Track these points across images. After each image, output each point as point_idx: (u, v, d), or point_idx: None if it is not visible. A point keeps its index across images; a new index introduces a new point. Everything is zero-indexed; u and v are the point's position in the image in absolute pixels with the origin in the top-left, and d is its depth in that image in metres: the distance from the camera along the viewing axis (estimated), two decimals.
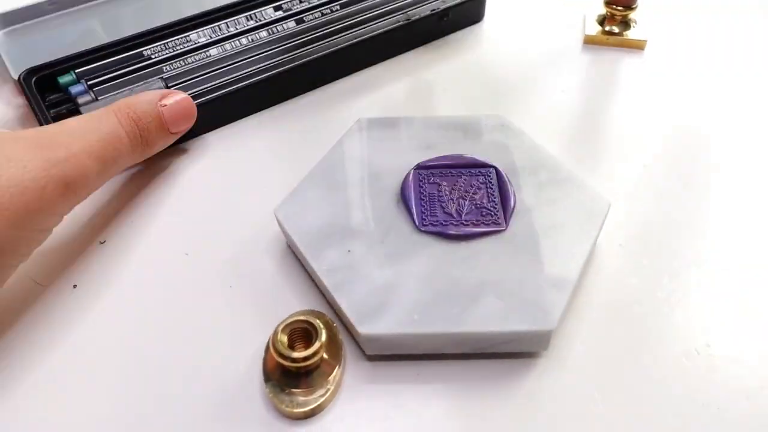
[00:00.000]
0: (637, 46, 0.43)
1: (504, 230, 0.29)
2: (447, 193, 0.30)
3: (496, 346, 0.26)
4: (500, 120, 0.34)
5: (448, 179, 0.31)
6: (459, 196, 0.30)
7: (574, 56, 0.43)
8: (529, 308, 0.26)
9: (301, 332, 0.26)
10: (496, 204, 0.30)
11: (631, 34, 0.43)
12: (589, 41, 0.44)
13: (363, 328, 0.26)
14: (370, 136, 0.34)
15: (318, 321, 0.26)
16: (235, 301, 0.29)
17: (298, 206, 0.30)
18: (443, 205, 0.30)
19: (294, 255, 0.31)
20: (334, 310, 0.28)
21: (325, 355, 0.26)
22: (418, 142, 0.33)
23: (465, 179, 0.31)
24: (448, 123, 0.34)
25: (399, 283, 0.27)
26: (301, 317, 0.26)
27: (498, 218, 0.29)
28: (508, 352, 0.27)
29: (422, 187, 0.31)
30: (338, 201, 0.30)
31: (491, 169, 0.31)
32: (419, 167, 0.32)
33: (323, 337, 0.25)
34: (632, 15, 0.43)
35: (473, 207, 0.30)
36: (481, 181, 0.31)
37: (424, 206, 0.30)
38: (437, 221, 0.29)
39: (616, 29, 0.43)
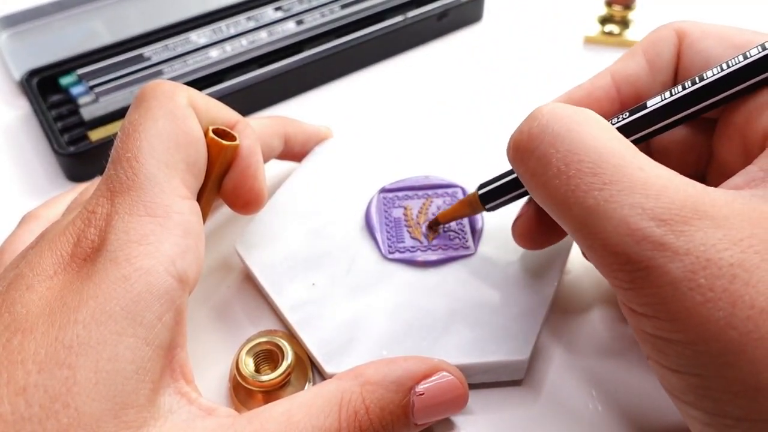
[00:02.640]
0: None
1: (473, 254, 0.28)
2: (413, 216, 0.29)
3: (470, 377, 0.24)
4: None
5: (414, 202, 0.30)
6: (426, 220, 0.29)
7: (574, 56, 0.43)
8: (501, 338, 0.25)
9: (266, 354, 0.25)
10: (464, 226, 0.29)
11: (629, 34, 0.43)
12: (589, 41, 0.44)
13: (330, 367, 0.25)
14: (333, 159, 0.32)
15: (284, 342, 0.25)
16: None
17: (260, 237, 0.29)
18: (410, 230, 0.29)
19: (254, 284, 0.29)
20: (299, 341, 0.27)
21: (291, 378, 0.25)
22: (382, 162, 0.32)
23: (431, 201, 0.30)
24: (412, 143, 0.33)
25: (366, 316, 0.26)
26: (265, 339, 0.26)
27: (466, 242, 0.28)
28: (483, 383, 0.25)
29: (387, 212, 0.29)
30: (301, 230, 0.29)
31: (457, 189, 0.30)
32: (384, 191, 0.30)
33: (290, 358, 0.25)
34: (631, 15, 0.43)
35: (441, 230, 0.29)
36: (447, 202, 0.30)
37: (390, 232, 0.29)
38: (404, 248, 0.28)
39: (615, 29, 0.43)
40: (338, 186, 0.31)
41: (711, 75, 0.21)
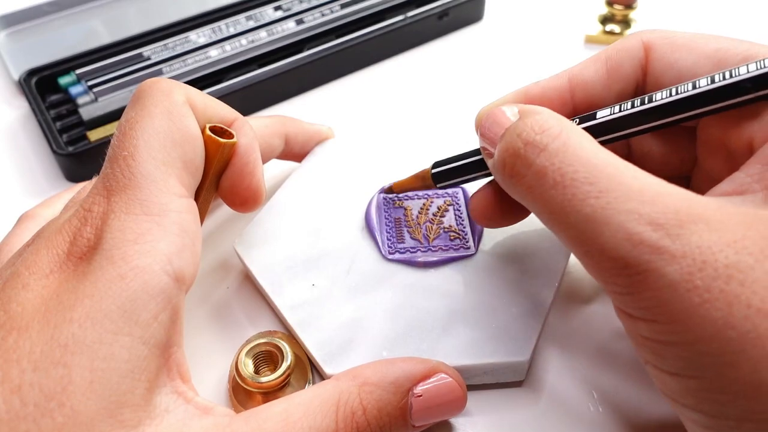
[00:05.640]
0: None
1: (474, 254, 0.28)
2: (414, 217, 0.29)
3: (470, 378, 0.25)
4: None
5: (414, 202, 0.30)
6: (426, 220, 0.29)
7: (575, 56, 0.43)
8: (502, 338, 0.25)
9: (266, 355, 0.25)
10: (464, 227, 0.29)
11: (631, 33, 0.43)
12: (590, 41, 0.43)
13: (330, 368, 0.24)
14: (333, 159, 0.32)
15: (283, 343, 0.25)
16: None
17: (259, 237, 0.29)
18: (410, 230, 0.29)
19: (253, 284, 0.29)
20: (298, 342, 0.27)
21: (291, 379, 0.25)
22: (382, 162, 0.32)
23: (432, 201, 0.30)
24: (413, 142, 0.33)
25: (366, 316, 0.26)
26: (264, 340, 0.25)
27: (467, 242, 0.28)
28: (484, 384, 0.25)
29: (387, 212, 0.29)
30: (300, 230, 0.29)
31: (458, 190, 0.30)
32: (384, 191, 0.30)
33: (289, 359, 0.24)
34: (632, 14, 0.43)
35: (441, 231, 0.29)
36: (448, 202, 0.30)
37: (390, 233, 0.28)
38: (404, 248, 0.28)
39: (616, 29, 0.43)
40: (338, 186, 0.31)
41: (660, 98, 0.21)
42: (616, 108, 0.22)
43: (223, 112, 0.25)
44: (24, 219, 0.27)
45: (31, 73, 0.39)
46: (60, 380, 0.17)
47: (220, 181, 0.25)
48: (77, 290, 0.18)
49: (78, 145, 0.36)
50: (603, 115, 0.23)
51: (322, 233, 0.29)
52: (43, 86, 0.39)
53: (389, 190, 0.30)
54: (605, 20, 0.44)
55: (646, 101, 0.22)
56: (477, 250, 0.28)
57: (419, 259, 0.27)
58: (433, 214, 0.29)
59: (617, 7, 0.43)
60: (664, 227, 0.17)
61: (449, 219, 0.29)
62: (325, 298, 0.27)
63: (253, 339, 0.26)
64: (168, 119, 0.22)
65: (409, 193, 0.30)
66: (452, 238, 0.28)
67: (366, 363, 0.23)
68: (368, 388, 0.21)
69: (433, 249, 0.28)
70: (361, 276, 0.27)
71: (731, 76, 0.20)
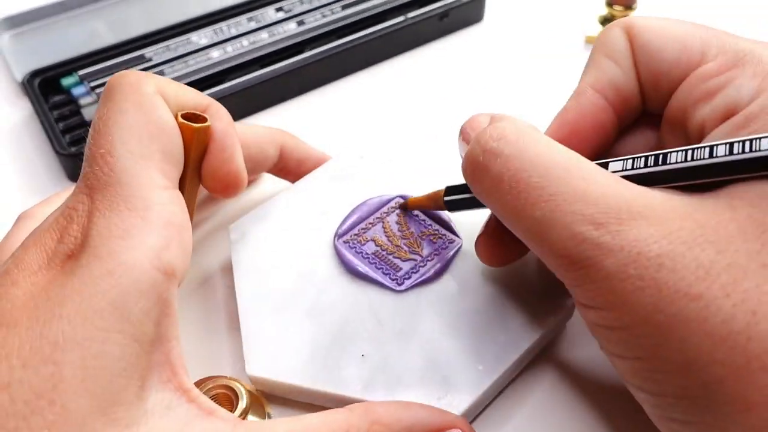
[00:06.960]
0: None
1: (461, 243, 0.28)
2: (387, 243, 0.28)
3: (524, 360, 0.25)
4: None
5: (376, 229, 0.28)
6: (401, 238, 0.28)
7: (575, 57, 0.43)
8: (537, 305, 0.26)
9: (222, 397, 0.24)
10: (433, 226, 0.28)
11: None
12: (591, 41, 0.43)
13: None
14: (326, 185, 0.30)
15: (238, 385, 0.24)
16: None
17: (255, 265, 0.28)
18: (396, 255, 0.27)
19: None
20: None
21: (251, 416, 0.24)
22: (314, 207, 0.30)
23: (387, 221, 0.29)
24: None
25: (412, 350, 0.25)
26: (217, 383, 0.24)
27: (448, 236, 0.28)
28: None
29: (360, 252, 0.28)
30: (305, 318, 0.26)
31: (397, 198, 0.29)
32: (339, 236, 0.28)
33: (245, 401, 0.24)
34: (632, 15, 0.43)
35: (420, 240, 0.28)
36: (400, 215, 0.29)
37: (381, 268, 0.27)
38: (407, 273, 0.27)
39: None
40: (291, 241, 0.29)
41: (674, 160, 0.20)
42: (629, 164, 0.21)
43: (197, 98, 0.25)
44: (22, 218, 0.27)
45: (35, 74, 0.39)
46: (50, 378, 0.17)
47: (201, 169, 0.25)
48: (66, 287, 0.18)
49: (80, 146, 0.36)
50: (615, 168, 0.22)
51: (327, 312, 0.26)
52: (46, 87, 0.39)
53: (403, 206, 0.29)
54: (605, 21, 0.44)
55: (660, 161, 0.20)
56: (461, 237, 0.28)
57: (431, 274, 0.27)
58: (400, 230, 0.28)
59: (617, 7, 0.43)
60: (605, 226, 0.18)
61: (415, 227, 0.28)
62: (382, 359, 0.25)
63: (206, 382, 0.25)
64: (140, 112, 0.22)
65: (365, 225, 0.29)
66: (434, 240, 0.28)
67: (383, 400, 0.23)
68: (379, 428, 0.21)
69: (429, 259, 0.27)
70: (390, 317, 0.26)
71: (751, 150, 0.18)
